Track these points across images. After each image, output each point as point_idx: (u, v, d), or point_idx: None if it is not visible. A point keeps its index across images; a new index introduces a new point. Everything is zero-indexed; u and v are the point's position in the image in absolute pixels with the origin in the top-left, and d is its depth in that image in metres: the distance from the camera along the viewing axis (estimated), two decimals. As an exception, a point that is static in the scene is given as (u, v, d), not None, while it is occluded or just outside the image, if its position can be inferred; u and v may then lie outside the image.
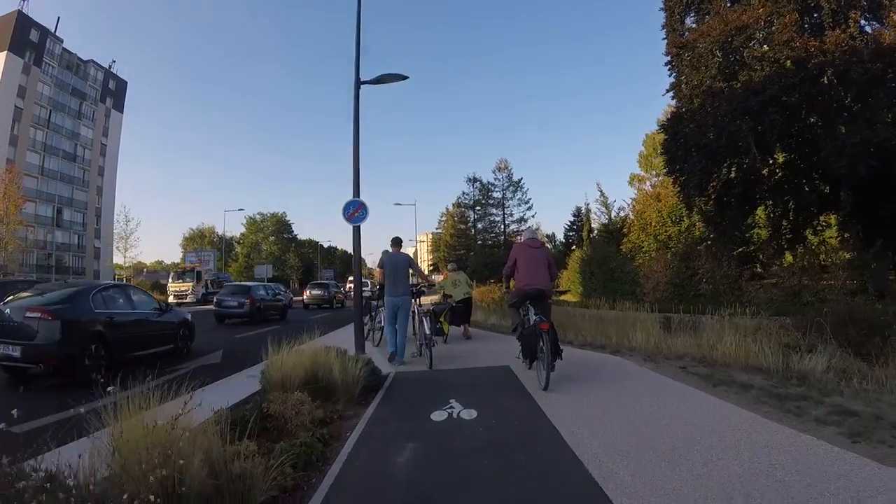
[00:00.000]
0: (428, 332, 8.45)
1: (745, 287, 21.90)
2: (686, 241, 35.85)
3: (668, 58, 22.74)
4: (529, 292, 7.03)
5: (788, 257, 22.78)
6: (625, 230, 43.50)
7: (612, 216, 50.70)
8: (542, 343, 6.38)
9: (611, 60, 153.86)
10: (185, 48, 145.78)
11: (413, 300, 9.56)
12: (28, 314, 7.88)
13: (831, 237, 23.23)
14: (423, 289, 11.37)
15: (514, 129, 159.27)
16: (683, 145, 20.14)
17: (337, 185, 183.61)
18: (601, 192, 52.84)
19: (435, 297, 13.69)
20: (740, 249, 25.02)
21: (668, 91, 22.59)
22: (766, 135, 16.82)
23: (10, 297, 8.91)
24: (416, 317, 9.44)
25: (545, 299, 7.21)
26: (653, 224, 40.90)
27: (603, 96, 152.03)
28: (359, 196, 9.26)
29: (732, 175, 20.42)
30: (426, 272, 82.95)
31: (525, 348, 7.01)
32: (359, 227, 9.19)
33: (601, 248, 37.86)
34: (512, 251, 7.67)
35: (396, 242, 9.40)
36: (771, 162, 19.65)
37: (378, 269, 9.91)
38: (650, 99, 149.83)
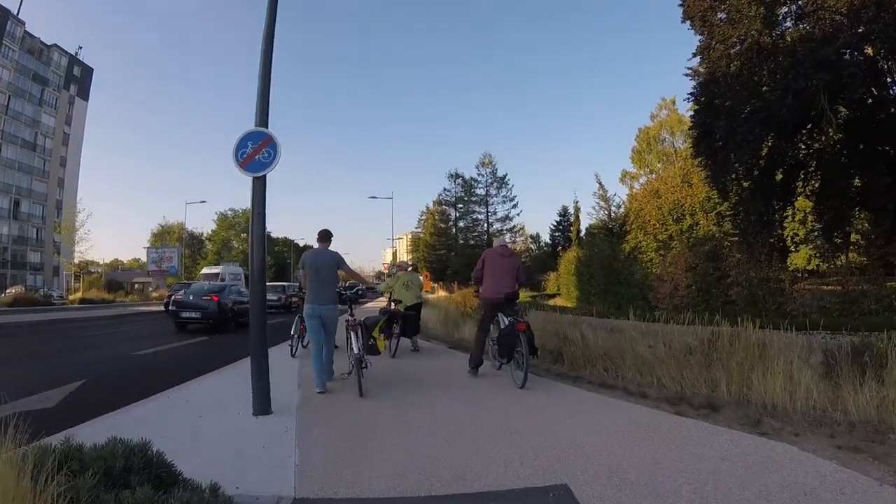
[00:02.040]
0: (357, 350, 6.61)
1: (787, 292, 18.14)
2: (689, 240, 32.40)
3: (689, 21, 19.32)
4: (497, 301, 7.28)
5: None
6: (626, 228, 39.63)
7: (612, 213, 46.00)
8: (519, 344, 6.63)
9: (599, 58, 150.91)
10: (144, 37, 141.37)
11: (348, 307, 7.66)
12: (203, 297, 16.63)
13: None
14: (360, 293, 8.79)
15: (498, 130, 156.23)
16: (727, 114, 16.33)
17: (312, 182, 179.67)
18: (600, 184, 47.79)
19: (384, 302, 12.04)
20: (778, 246, 21.27)
21: (694, 55, 18.98)
22: (843, 91, 13.13)
23: (183, 290, 19.56)
24: (346, 330, 7.14)
25: (512, 302, 7.50)
26: (652, 222, 37.35)
27: (590, 94, 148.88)
28: (266, 126, 5.35)
29: (783, 149, 16.76)
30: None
31: (502, 349, 7.03)
32: (263, 181, 5.26)
33: (602, 247, 34.00)
34: (482, 256, 7.71)
35: (324, 237, 7.12)
36: (830, 133, 15.77)
37: (302, 270, 7.08)
38: (638, 95, 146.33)
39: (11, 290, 37.68)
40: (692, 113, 19.15)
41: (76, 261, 50.69)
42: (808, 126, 15.65)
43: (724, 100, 16.09)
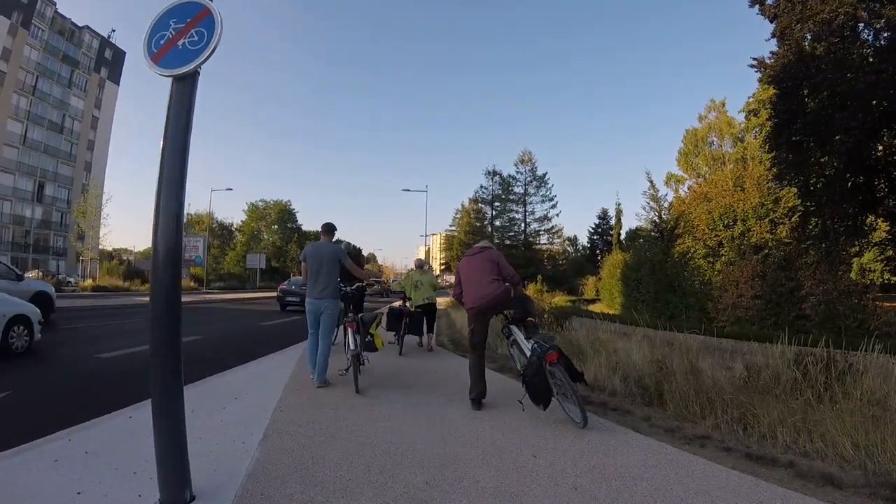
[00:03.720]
0: (353, 346, 6.43)
1: (870, 307, 15.68)
2: (741, 247, 29.86)
3: (758, 6, 17.14)
4: (480, 308, 5.70)
5: None
6: (678, 230, 36.95)
7: (663, 214, 42.30)
8: (553, 379, 4.89)
9: (640, 58, 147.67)
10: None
11: (348, 304, 7.34)
12: (294, 287, 22.21)
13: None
14: (367, 288, 8.61)
15: (537, 128, 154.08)
16: (821, 97, 13.97)
17: (347, 176, 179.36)
18: (651, 182, 44.08)
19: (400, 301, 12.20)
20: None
21: (772, 37, 16.62)
22: None
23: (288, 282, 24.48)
24: (343, 326, 7.25)
25: (510, 303, 5.74)
26: (701, 227, 34.81)
27: (632, 96, 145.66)
28: None
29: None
30: (437, 271, 78.03)
31: (534, 395, 4.95)
32: (191, 84, 3.06)
33: (652, 250, 31.50)
34: (457, 268, 6.33)
35: (326, 230, 7.09)
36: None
37: (303, 263, 6.84)
38: (682, 98, 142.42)
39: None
40: (773, 99, 16.71)
41: (101, 246, 49.94)
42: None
43: (817, 81, 13.74)
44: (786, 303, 17.31)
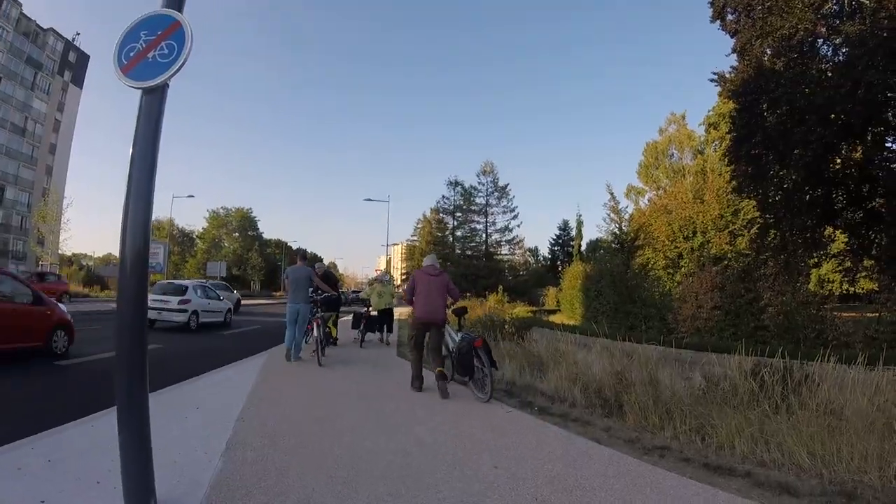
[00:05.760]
0: (317, 334, 9.98)
1: (828, 318, 16.01)
2: (700, 259, 30.45)
3: (720, 21, 17.54)
4: (427, 322, 7.46)
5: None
6: (638, 242, 37.39)
7: (623, 226, 42.97)
8: (479, 360, 6.88)
9: (603, 71, 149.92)
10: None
11: (313, 307, 10.52)
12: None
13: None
14: (331, 297, 12.33)
15: (498, 142, 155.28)
16: (779, 112, 14.27)
17: (308, 184, 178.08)
18: (612, 195, 44.70)
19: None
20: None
21: (732, 52, 16.94)
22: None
23: None
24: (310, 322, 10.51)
25: (441, 325, 7.59)
26: (661, 239, 35.37)
27: (592, 110, 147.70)
28: (180, 8, 3.14)
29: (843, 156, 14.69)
30: (398, 281, 78.43)
31: (462, 367, 7.23)
32: (160, 96, 3.05)
33: (613, 261, 31.79)
34: (412, 278, 8.04)
35: (301, 256, 11.70)
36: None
37: (287, 279, 10.40)
38: (643, 112, 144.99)
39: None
40: (732, 113, 17.00)
41: (60, 252, 48.69)
42: (877, 129, 13.60)
43: (776, 95, 14.04)
44: (745, 314, 17.55)
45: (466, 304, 28.00)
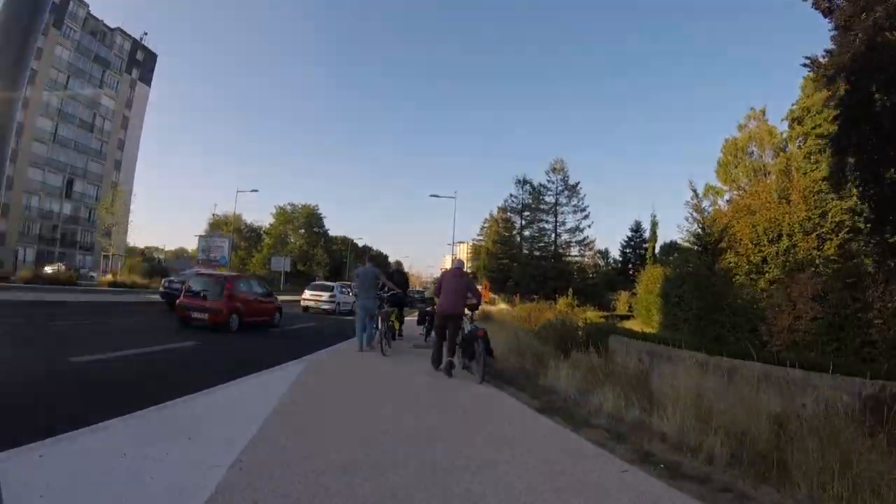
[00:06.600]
0: (380, 328, 11.22)
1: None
2: (786, 264, 27.68)
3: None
4: (449, 314, 8.98)
5: None
6: (723, 244, 34.34)
7: (706, 227, 39.10)
8: (478, 346, 8.47)
9: (677, 69, 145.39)
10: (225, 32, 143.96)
11: (382, 302, 11.86)
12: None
13: None
14: (396, 295, 12.99)
15: (571, 140, 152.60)
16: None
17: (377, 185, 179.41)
18: (695, 192, 40.36)
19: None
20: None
21: (834, 29, 14.91)
22: None
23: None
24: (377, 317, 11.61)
25: (459, 318, 9.12)
26: (744, 242, 32.49)
27: (667, 104, 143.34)
28: None
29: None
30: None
31: (465, 351, 9.05)
32: None
33: (697, 264, 29.06)
34: (440, 276, 10.38)
35: (370, 258, 13.79)
36: None
37: (357, 279, 11.93)
38: (719, 108, 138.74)
39: (50, 268, 36.17)
40: (841, 95, 14.86)
41: (130, 243, 49.63)
42: None
43: (891, 74, 12.01)
44: (851, 326, 15.30)
45: (534, 306, 29.41)
